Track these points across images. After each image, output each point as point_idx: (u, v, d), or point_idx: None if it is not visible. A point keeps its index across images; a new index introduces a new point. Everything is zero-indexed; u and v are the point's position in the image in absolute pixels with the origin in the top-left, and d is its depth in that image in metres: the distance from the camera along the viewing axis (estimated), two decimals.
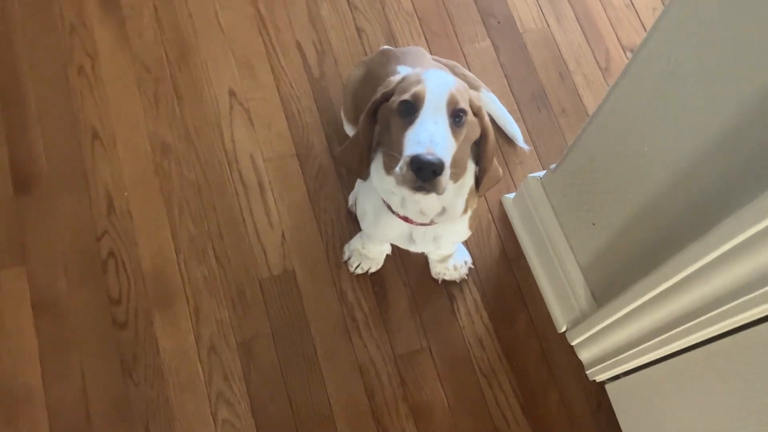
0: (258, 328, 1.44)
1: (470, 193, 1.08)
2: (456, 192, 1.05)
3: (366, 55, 1.69)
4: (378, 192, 1.09)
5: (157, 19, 1.69)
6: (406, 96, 0.96)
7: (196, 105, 1.61)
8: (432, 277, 1.49)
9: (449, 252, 1.42)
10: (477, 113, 1.02)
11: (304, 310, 1.46)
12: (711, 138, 0.87)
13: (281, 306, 1.46)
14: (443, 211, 1.06)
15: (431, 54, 1.51)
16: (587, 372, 1.42)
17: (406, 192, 0.97)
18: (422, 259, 1.50)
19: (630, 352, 1.23)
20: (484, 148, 1.05)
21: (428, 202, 1.04)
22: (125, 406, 1.37)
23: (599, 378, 1.40)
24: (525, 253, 1.50)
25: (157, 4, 1.70)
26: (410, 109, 0.97)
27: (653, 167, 1.01)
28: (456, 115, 0.97)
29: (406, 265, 1.51)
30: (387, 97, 1.04)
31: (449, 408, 1.40)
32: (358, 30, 1.72)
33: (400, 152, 0.95)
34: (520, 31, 1.72)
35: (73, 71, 1.63)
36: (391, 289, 1.49)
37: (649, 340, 1.16)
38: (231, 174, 1.56)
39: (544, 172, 1.38)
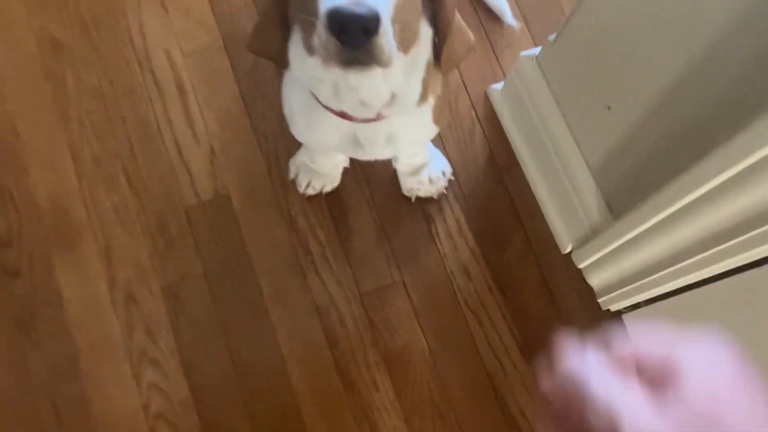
0: (187, 269, 1.15)
1: (429, 71, 0.75)
2: (407, 69, 0.72)
3: None
4: (302, 82, 0.76)
5: None
6: None
7: None
8: (404, 195, 1.19)
9: (420, 161, 1.11)
10: None
11: (244, 243, 1.16)
12: None
13: (215, 239, 1.16)
14: (393, 98, 0.73)
15: None
16: (599, 300, 1.14)
17: (336, 73, 0.65)
18: (390, 172, 1.19)
19: (655, 276, 0.95)
20: (442, 19, 0.71)
21: (370, 86, 0.71)
22: (24, 375, 1.09)
23: (614, 307, 1.12)
24: (518, 157, 1.19)
25: None
26: None
27: (689, 26, 0.70)
28: None
29: (370, 180, 1.20)
30: None
31: (430, 353, 1.13)
32: None
33: (315, 13, 0.60)
34: None
35: None
36: (352, 211, 1.19)
37: (681, 261, 0.88)
38: (142, 76, 1.23)
39: (540, 48, 1.06)
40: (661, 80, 0.79)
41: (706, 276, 0.88)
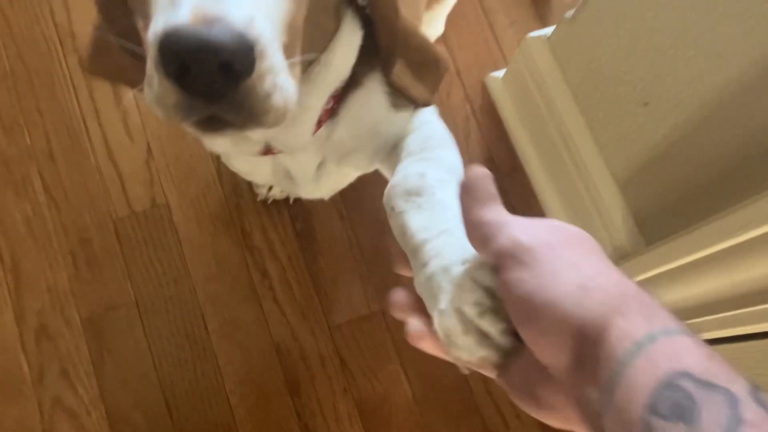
0: (114, 296, 0.93)
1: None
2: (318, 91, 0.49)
3: None
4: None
5: None
6: None
7: None
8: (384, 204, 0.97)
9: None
10: None
11: (185, 263, 0.95)
12: None
13: (150, 260, 0.94)
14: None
15: None
16: None
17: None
18: (368, 178, 0.98)
19: (691, 322, 0.75)
20: (380, 15, 0.46)
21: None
22: None
23: None
24: (522, 160, 0.99)
25: None
26: None
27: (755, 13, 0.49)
28: None
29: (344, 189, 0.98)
30: None
31: (414, 401, 0.92)
32: None
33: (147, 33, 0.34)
34: None
35: None
36: (321, 225, 0.97)
37: (727, 310, 0.68)
38: (64, 57, 1.00)
39: (554, 27, 0.84)
40: (719, 73, 0.58)
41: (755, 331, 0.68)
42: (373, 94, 0.55)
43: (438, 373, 0.93)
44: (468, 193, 0.34)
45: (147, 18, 0.35)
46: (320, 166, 0.60)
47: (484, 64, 1.03)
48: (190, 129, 0.36)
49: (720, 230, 0.61)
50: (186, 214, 0.96)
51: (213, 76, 0.31)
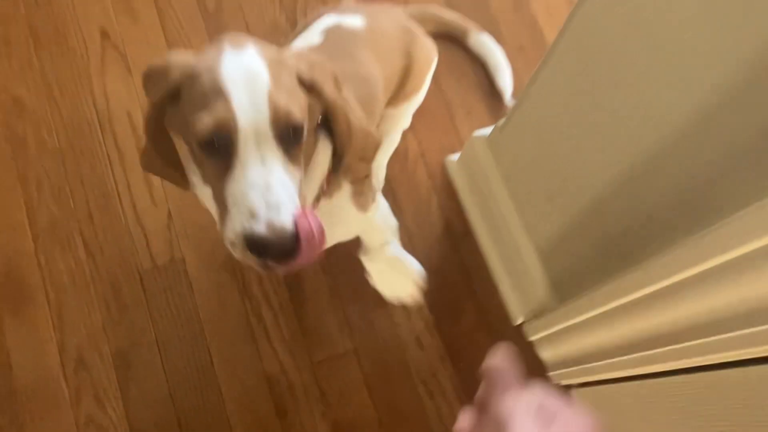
0: (139, 334, 1.15)
1: (331, 174, 0.76)
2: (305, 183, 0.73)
3: None
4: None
5: None
6: (205, 129, 0.60)
7: (58, 51, 1.27)
8: (359, 263, 1.19)
9: (384, 238, 1.11)
10: (311, 88, 0.66)
11: (196, 308, 1.16)
12: (716, 90, 0.57)
13: (168, 304, 1.16)
14: None
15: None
16: (549, 374, 1.15)
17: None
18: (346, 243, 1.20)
19: (603, 363, 0.96)
20: (338, 131, 0.70)
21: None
22: None
23: (565, 382, 1.13)
24: (473, 228, 1.21)
25: None
26: (219, 147, 0.61)
27: (632, 126, 0.71)
28: (285, 134, 0.62)
29: (328, 249, 1.21)
30: (173, 94, 0.64)
31: (380, 425, 1.13)
32: None
33: (223, 203, 0.62)
34: None
35: None
36: (307, 278, 1.19)
37: (624, 354, 0.89)
38: (103, 138, 1.24)
39: (491, 129, 1.08)
40: (606, 178, 0.80)
41: (655, 371, 0.89)
42: (345, 197, 0.80)
43: (400, 402, 1.14)
44: (488, 380, 0.45)
45: (217, 193, 0.62)
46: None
47: (444, 147, 1.26)
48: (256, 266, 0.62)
49: (604, 296, 0.83)
50: (198, 268, 1.18)
51: (279, 255, 0.58)
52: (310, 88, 0.66)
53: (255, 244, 0.58)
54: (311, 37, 0.92)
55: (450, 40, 1.30)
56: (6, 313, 1.14)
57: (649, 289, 0.74)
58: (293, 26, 1.32)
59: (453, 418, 1.14)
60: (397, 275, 1.11)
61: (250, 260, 0.60)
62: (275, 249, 0.58)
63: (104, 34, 1.29)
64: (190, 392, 1.12)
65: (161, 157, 0.70)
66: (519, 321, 1.16)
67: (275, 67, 0.62)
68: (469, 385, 1.16)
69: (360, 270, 1.19)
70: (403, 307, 1.18)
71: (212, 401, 1.12)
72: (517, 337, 1.18)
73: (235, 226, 0.58)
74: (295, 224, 0.58)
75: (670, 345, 0.77)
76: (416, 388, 1.15)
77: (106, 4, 1.31)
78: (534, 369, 1.16)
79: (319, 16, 0.99)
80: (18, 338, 1.13)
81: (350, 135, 0.71)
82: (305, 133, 0.64)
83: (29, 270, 1.16)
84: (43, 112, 1.24)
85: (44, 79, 1.26)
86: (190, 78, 0.62)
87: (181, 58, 0.63)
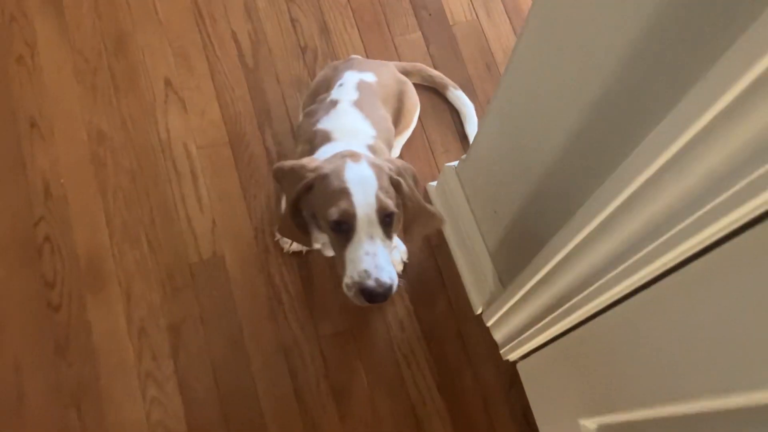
0: (187, 311, 1.50)
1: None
2: None
3: (300, 46, 1.73)
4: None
5: (96, 9, 1.73)
6: (335, 216, 1.01)
7: (132, 94, 1.66)
8: None
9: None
10: (396, 187, 1.08)
11: (231, 293, 1.52)
12: (576, 127, 0.93)
13: (210, 289, 1.52)
14: None
15: (396, 53, 1.56)
16: (501, 351, 1.48)
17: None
18: None
19: (535, 328, 1.28)
20: (405, 203, 1.10)
21: None
22: (58, 386, 1.43)
23: (512, 357, 1.46)
24: (447, 239, 1.56)
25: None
26: (343, 226, 1.03)
27: (536, 158, 1.07)
28: (386, 220, 1.04)
29: None
30: (308, 187, 1.06)
31: (368, 387, 1.47)
32: (293, 21, 1.76)
33: (342, 264, 1.05)
34: (450, 23, 1.77)
35: (12, 60, 1.67)
36: (317, 274, 1.55)
37: (549, 314, 1.22)
38: (165, 162, 1.61)
39: (458, 161, 1.44)
40: (525, 194, 1.16)
41: (568, 325, 1.22)
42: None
43: (384, 370, 1.48)
44: None
45: (338, 258, 1.06)
46: None
47: (426, 176, 1.63)
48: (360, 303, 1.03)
49: (531, 272, 1.17)
50: (233, 262, 1.54)
51: (384, 296, 0.97)
52: (396, 185, 1.05)
53: (365, 292, 0.99)
54: (350, 92, 1.30)
55: (433, 91, 1.68)
56: (88, 292, 1.50)
57: (562, 253, 1.08)
58: (312, 77, 1.70)
59: (425, 384, 1.48)
60: (393, 260, 1.47)
61: (358, 301, 1.02)
62: (379, 296, 0.98)
63: (167, 82, 1.68)
64: (224, 357, 1.47)
65: (296, 226, 1.11)
66: (479, 311, 1.51)
67: (379, 173, 1.03)
68: (438, 359, 1.50)
69: None
70: (391, 298, 1.53)
71: (241, 364, 1.47)
72: (478, 323, 1.52)
73: (353, 277, 0.99)
74: (391, 282, 0.98)
75: (582, 291, 1.09)
76: (398, 360, 1.50)
77: (169, 59, 1.70)
78: (490, 350, 1.50)
79: (339, 72, 1.37)
80: (97, 311, 1.49)
81: (414, 214, 1.10)
82: (395, 213, 1.02)
83: (106, 260, 1.53)
84: (119, 140, 1.62)
85: (120, 115, 1.64)
86: (322, 178, 1.03)
87: (313, 164, 1.06)
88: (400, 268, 1.53)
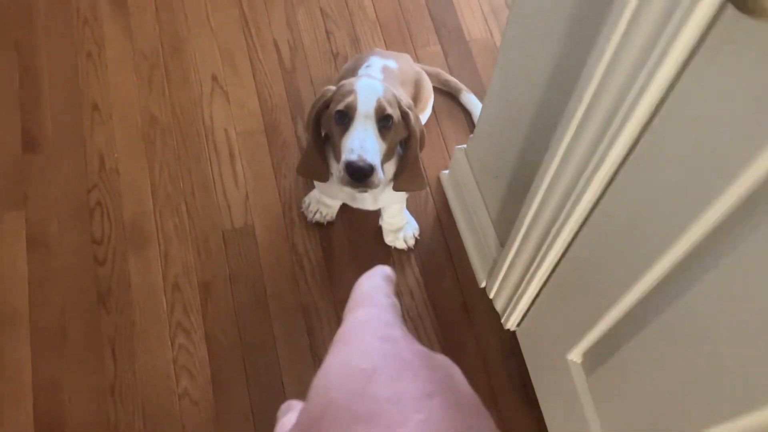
0: (217, 272, 1.66)
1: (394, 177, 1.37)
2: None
3: (332, 53, 1.96)
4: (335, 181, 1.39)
5: (157, 17, 1.98)
6: (340, 106, 1.21)
7: (182, 87, 1.88)
8: (379, 240, 1.70)
9: (400, 224, 1.64)
10: (404, 116, 1.27)
11: (259, 258, 1.68)
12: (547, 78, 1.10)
13: (239, 254, 1.68)
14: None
15: (417, 62, 1.77)
16: (502, 320, 1.60)
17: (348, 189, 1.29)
18: (372, 224, 1.72)
19: (526, 279, 1.37)
20: (408, 144, 1.31)
21: (365, 196, 1.40)
22: (97, 330, 1.58)
23: (511, 325, 1.58)
24: (455, 218, 1.72)
25: (159, 5, 2.00)
26: (344, 118, 1.22)
27: (523, 114, 1.24)
28: (383, 120, 1.22)
29: (356, 228, 1.73)
30: (326, 104, 1.28)
31: None
32: (328, 33, 1.99)
33: (339, 154, 1.23)
34: (467, 39, 1.99)
35: (83, 56, 1.91)
36: (337, 246, 1.70)
37: (538, 253, 1.31)
38: (207, 144, 1.81)
39: (467, 143, 1.61)
40: (516, 154, 1.32)
41: (551, 267, 1.35)
42: (389, 189, 1.37)
43: None
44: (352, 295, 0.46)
45: (336, 148, 1.25)
46: (374, 198, 1.42)
47: (439, 165, 1.80)
48: (348, 187, 1.22)
49: (521, 221, 1.32)
50: (262, 231, 1.71)
51: (361, 176, 1.16)
52: (404, 114, 1.24)
53: (349, 168, 1.15)
54: (376, 73, 1.50)
55: (448, 95, 1.87)
56: (131, 251, 1.67)
57: (546, 182, 1.22)
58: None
59: (430, 346, 1.60)
60: (401, 228, 1.63)
61: (345, 181, 1.18)
62: (359, 171, 1.14)
63: (214, 78, 1.90)
64: (248, 313, 1.62)
65: (313, 153, 1.33)
66: (483, 284, 1.64)
67: (387, 91, 1.24)
68: (444, 327, 1.62)
69: (378, 245, 1.70)
70: (402, 270, 1.67)
71: (263, 321, 1.61)
72: (482, 298, 1.65)
73: (343, 160, 1.16)
74: (371, 162, 1.15)
75: (562, 211, 1.22)
76: (408, 326, 1.62)
77: (217, 59, 1.93)
78: (492, 320, 1.62)
79: (365, 57, 1.57)
80: (137, 267, 1.65)
81: (414, 161, 1.31)
82: (393, 123, 1.22)
83: (149, 224, 1.70)
84: (168, 124, 1.83)
85: (171, 104, 1.86)
86: (339, 86, 1.23)
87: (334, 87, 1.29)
88: (412, 242, 1.67)
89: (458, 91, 1.85)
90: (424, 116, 1.74)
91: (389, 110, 1.22)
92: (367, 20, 2.01)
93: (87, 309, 1.61)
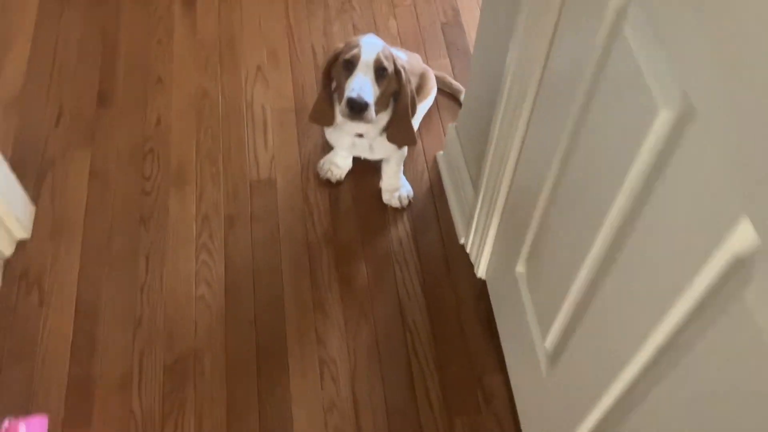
0: (241, 211, 1.98)
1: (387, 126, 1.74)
2: (375, 126, 1.71)
3: None
4: (339, 124, 1.77)
5: (219, 18, 2.42)
6: (348, 56, 1.59)
7: (231, 71, 2.29)
8: (379, 202, 2.02)
9: (396, 185, 1.96)
10: (397, 73, 1.64)
11: (277, 204, 2.00)
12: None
13: (261, 199, 2.01)
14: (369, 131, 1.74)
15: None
16: (475, 270, 1.88)
17: (349, 122, 1.66)
18: (374, 188, 2.04)
19: (488, 215, 1.67)
20: (398, 98, 1.68)
21: (363, 127, 1.73)
22: (136, 243, 1.91)
23: (481, 272, 1.85)
24: (444, 184, 2.03)
25: (221, 10, 2.44)
26: (350, 65, 1.59)
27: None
28: (380, 71, 1.59)
29: (360, 189, 2.05)
30: (336, 56, 1.65)
31: (367, 279, 1.87)
32: None
33: (342, 94, 1.60)
34: (472, 56, 2.37)
35: (154, 42, 2.35)
36: (342, 200, 2.02)
37: (494, 190, 1.61)
38: (245, 115, 2.18)
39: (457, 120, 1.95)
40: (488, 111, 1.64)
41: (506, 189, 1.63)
42: (383, 138, 1.73)
43: (382, 271, 1.88)
44: None
45: (341, 92, 1.63)
46: (370, 146, 1.74)
47: (437, 148, 2.13)
48: (349, 120, 1.62)
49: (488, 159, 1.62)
50: (282, 184, 2.04)
51: (357, 109, 1.55)
52: (397, 71, 1.62)
53: (350, 102, 1.51)
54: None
55: (451, 96, 2.23)
56: (173, 187, 2.02)
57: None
58: None
59: (412, 285, 1.87)
60: (397, 189, 1.94)
61: (345, 113, 1.55)
62: (357, 105, 1.50)
63: (258, 68, 2.30)
64: (262, 243, 1.92)
65: (322, 100, 1.70)
66: (462, 241, 1.92)
67: (386, 50, 1.61)
68: (426, 273, 1.90)
69: (373, 200, 2.02)
70: (395, 225, 1.97)
71: (274, 250, 1.91)
72: (461, 252, 1.93)
73: (346, 96, 1.52)
74: (367, 100, 1.51)
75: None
76: (393, 266, 1.90)
77: (263, 54, 2.34)
78: (468, 269, 1.89)
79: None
80: (175, 200, 1.99)
81: (403, 111, 1.66)
82: (387, 74, 1.59)
83: (190, 170, 2.05)
84: (216, 98, 2.22)
85: (221, 83, 2.25)
86: (348, 42, 1.61)
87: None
88: (406, 203, 1.98)
89: (458, 92, 2.21)
90: (426, 104, 2.10)
91: (385, 63, 1.58)
92: (390, 35, 2.42)
93: (130, 227, 1.94)
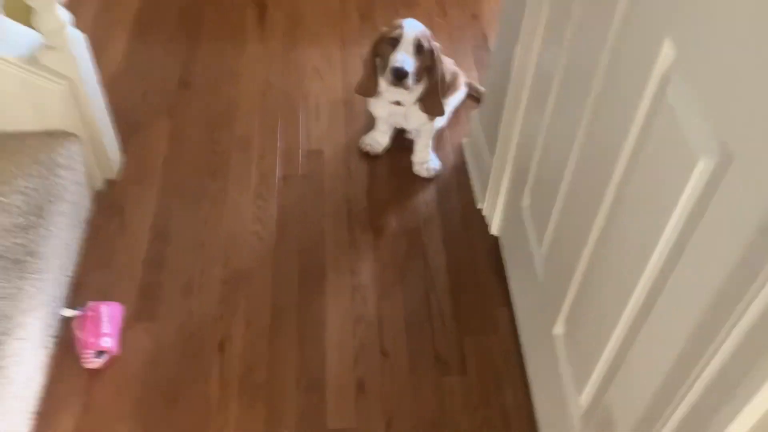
0: (293, 172, 2.34)
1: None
2: (412, 94, 2.11)
3: None
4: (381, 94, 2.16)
5: (283, 34, 2.88)
6: (393, 34, 2.01)
7: (292, 69, 2.72)
8: (409, 173, 2.36)
9: (426, 158, 2.32)
10: (431, 51, 2.06)
11: (323, 169, 2.36)
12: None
13: (310, 165, 2.37)
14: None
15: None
16: (489, 229, 2.18)
17: (391, 89, 2.06)
18: (406, 163, 2.39)
19: (501, 172, 2.00)
20: (432, 73, 2.08)
21: (402, 94, 2.12)
22: (204, 190, 2.27)
23: (494, 229, 2.15)
24: (466, 159, 2.38)
25: (285, 29, 2.91)
26: (394, 42, 2.01)
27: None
28: (418, 47, 2.00)
29: (394, 162, 2.40)
30: (383, 37, 2.07)
31: (396, 230, 2.19)
32: None
33: (385, 67, 2.01)
34: None
35: (229, 48, 2.81)
36: (379, 170, 2.37)
37: (506, 148, 1.95)
38: (301, 103, 2.59)
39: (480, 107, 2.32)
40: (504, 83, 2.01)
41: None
42: (417, 108, 2.13)
43: (406, 227, 2.20)
44: None
45: (385, 64, 2.06)
46: (405, 115, 2.15)
47: (461, 134, 2.49)
48: (392, 86, 2.06)
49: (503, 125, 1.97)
50: (329, 155, 2.40)
51: (400, 76, 1.98)
52: (432, 49, 2.04)
53: (394, 70, 1.93)
54: None
55: (476, 99, 2.61)
56: (238, 151, 2.40)
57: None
58: None
59: (433, 239, 2.18)
60: (426, 161, 2.29)
61: (389, 79, 1.98)
62: (400, 72, 1.93)
63: (315, 69, 2.72)
64: (310, 196, 2.26)
65: (368, 73, 2.10)
66: (479, 206, 2.24)
67: (425, 31, 2.04)
68: (446, 229, 2.20)
69: (405, 172, 2.36)
70: (423, 192, 2.30)
71: (318, 201, 2.25)
72: (478, 215, 2.24)
73: (391, 66, 1.94)
74: (407, 69, 1.92)
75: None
76: (419, 222, 2.22)
77: (320, 59, 2.77)
78: (485, 229, 2.20)
79: None
80: (239, 161, 2.36)
81: (441, 76, 2.07)
82: (424, 50, 2.01)
83: (253, 139, 2.43)
84: (278, 89, 2.63)
85: (283, 77, 2.67)
86: (392, 26, 2.03)
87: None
88: (433, 174, 2.32)
89: (483, 96, 2.59)
90: (456, 98, 2.48)
91: (423, 42, 1.99)
92: None
93: (200, 178, 2.30)
